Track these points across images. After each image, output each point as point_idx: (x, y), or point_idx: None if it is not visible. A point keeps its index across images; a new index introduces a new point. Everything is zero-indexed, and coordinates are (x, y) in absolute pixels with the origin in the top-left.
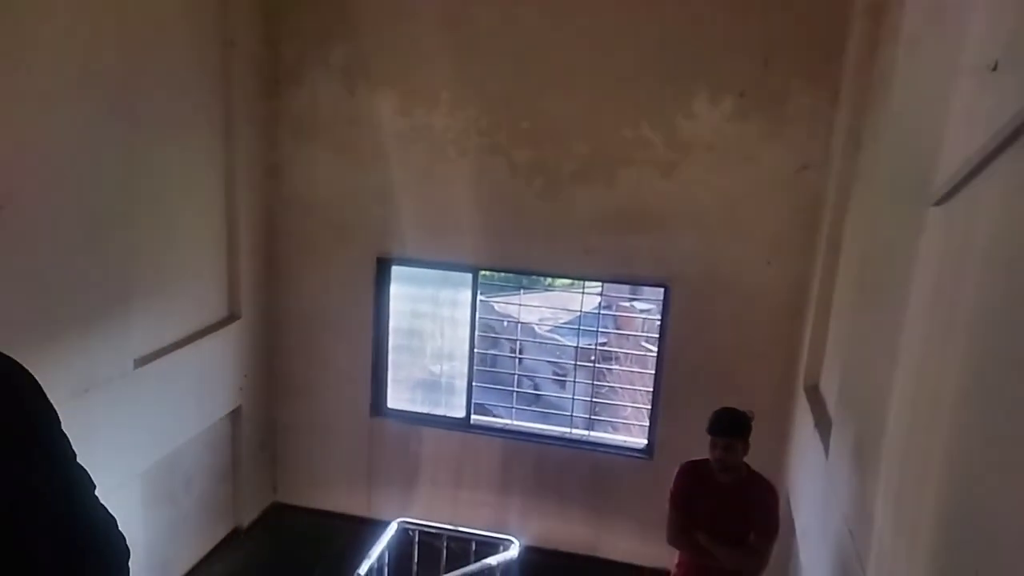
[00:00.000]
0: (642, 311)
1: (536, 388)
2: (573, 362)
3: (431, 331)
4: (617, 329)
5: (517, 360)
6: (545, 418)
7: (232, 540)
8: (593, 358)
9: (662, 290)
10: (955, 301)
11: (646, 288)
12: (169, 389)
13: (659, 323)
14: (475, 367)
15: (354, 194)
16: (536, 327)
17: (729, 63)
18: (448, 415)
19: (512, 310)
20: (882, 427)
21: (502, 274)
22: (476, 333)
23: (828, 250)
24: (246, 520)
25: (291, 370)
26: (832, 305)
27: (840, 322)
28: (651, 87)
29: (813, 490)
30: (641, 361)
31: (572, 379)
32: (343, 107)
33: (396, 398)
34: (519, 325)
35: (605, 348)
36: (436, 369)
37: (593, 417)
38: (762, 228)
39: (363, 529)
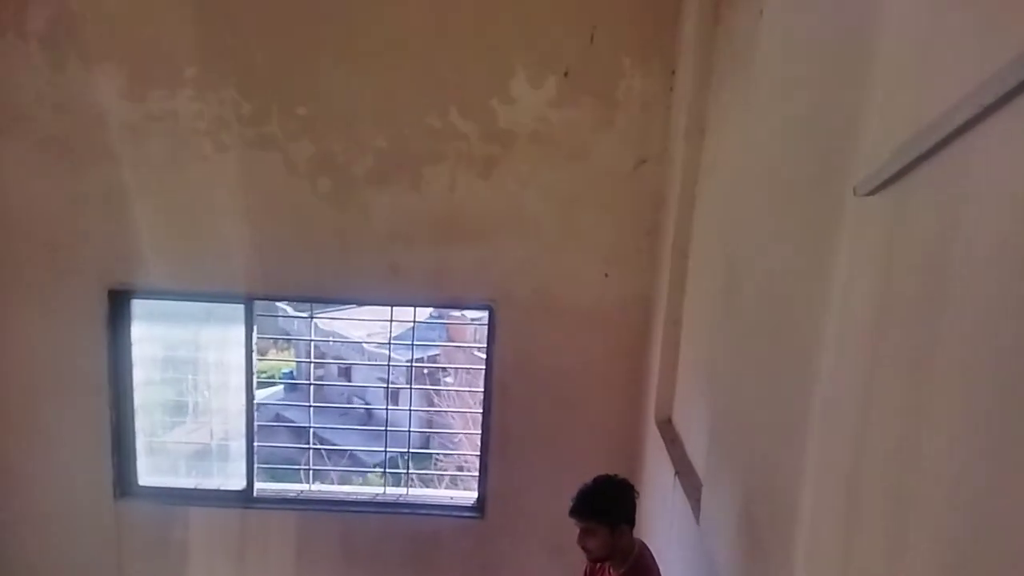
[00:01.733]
0: (473, 319)
1: (369, 414)
2: (397, 386)
3: (194, 382)
4: (449, 340)
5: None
6: (352, 479)
7: None
8: (404, 383)
9: (486, 312)
10: (930, 315)
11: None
12: None
13: (484, 351)
14: (255, 423)
15: (70, 206)
16: (365, 345)
17: (551, 36)
18: (223, 487)
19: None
20: (792, 506)
21: None
22: (254, 379)
23: (675, 257)
24: None
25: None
26: (683, 323)
27: (700, 345)
28: (461, 63)
29: (682, 558)
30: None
31: (386, 407)
32: (47, 89)
33: (151, 472)
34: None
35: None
36: (205, 431)
37: (413, 471)
38: (598, 235)
39: None
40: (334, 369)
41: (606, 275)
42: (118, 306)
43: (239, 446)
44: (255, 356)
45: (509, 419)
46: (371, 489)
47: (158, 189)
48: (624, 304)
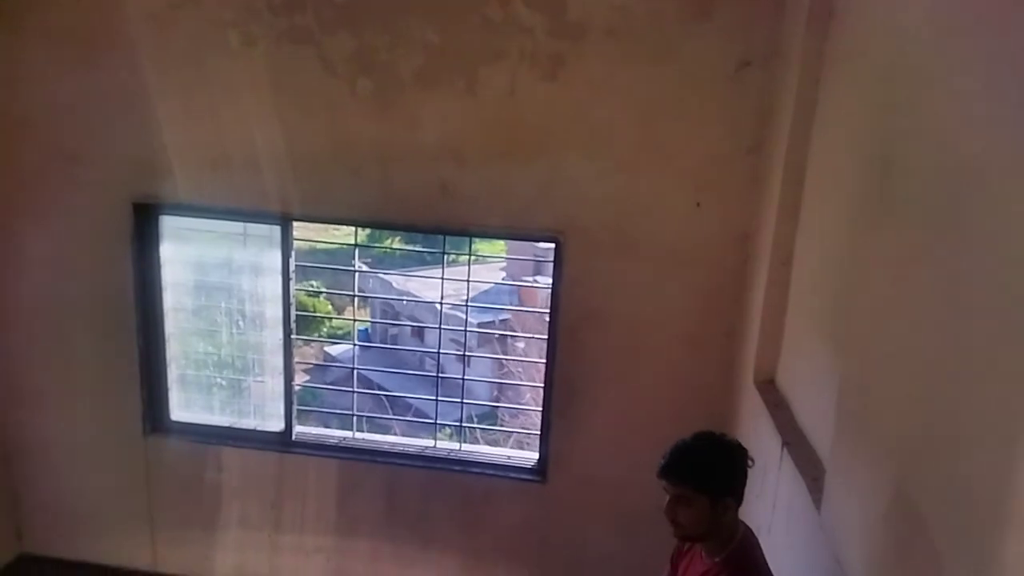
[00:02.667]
0: (548, 285)
1: (442, 370)
2: (455, 352)
3: (228, 312)
4: (520, 305)
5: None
6: (409, 429)
7: None
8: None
9: (552, 247)
10: None
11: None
12: None
13: (550, 292)
14: (293, 360)
15: (89, 109)
16: (438, 306)
17: None
18: (260, 428)
19: (413, 288)
20: (998, 501)
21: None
22: (292, 310)
23: (787, 180)
24: None
25: (16, 371)
26: (795, 262)
27: (820, 287)
28: None
29: (791, 552)
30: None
31: (451, 370)
32: None
33: (183, 407)
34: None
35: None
36: (240, 366)
37: (471, 425)
38: (687, 154)
39: None
40: (407, 330)
41: (697, 204)
42: (144, 222)
43: (277, 384)
44: (293, 285)
45: (576, 372)
46: (420, 442)
47: (181, 89)
48: (718, 239)
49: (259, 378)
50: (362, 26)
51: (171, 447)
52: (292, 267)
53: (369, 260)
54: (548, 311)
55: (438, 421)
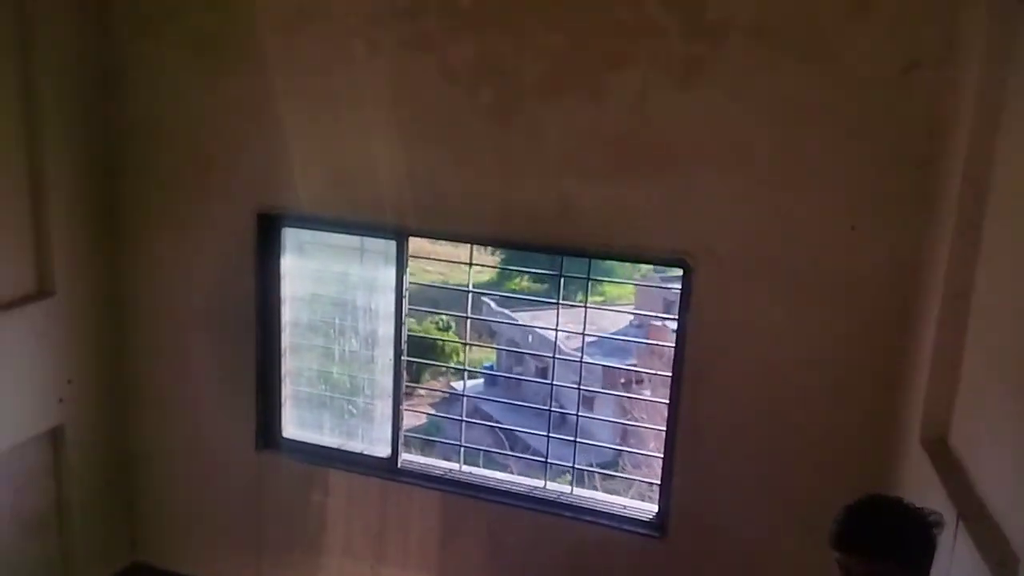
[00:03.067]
0: (675, 331)
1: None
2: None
3: (342, 328)
4: (649, 351)
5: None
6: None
7: None
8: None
9: (679, 273)
10: None
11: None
12: None
13: (675, 327)
14: (403, 381)
15: (221, 115)
16: (562, 345)
17: None
18: (367, 452)
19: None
20: None
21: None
22: (404, 328)
23: (966, 199)
24: None
25: (140, 378)
26: (975, 295)
27: (1006, 322)
28: None
29: None
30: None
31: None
32: None
33: (295, 424)
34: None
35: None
36: (350, 384)
37: (585, 468)
38: (841, 170)
39: None
40: (532, 367)
41: (852, 227)
42: (267, 233)
43: (385, 408)
44: (406, 303)
45: (703, 417)
46: (529, 481)
47: (307, 99)
48: (876, 268)
49: (369, 399)
50: (486, 30)
51: (281, 465)
52: (406, 285)
53: (496, 299)
54: (672, 345)
55: (550, 461)
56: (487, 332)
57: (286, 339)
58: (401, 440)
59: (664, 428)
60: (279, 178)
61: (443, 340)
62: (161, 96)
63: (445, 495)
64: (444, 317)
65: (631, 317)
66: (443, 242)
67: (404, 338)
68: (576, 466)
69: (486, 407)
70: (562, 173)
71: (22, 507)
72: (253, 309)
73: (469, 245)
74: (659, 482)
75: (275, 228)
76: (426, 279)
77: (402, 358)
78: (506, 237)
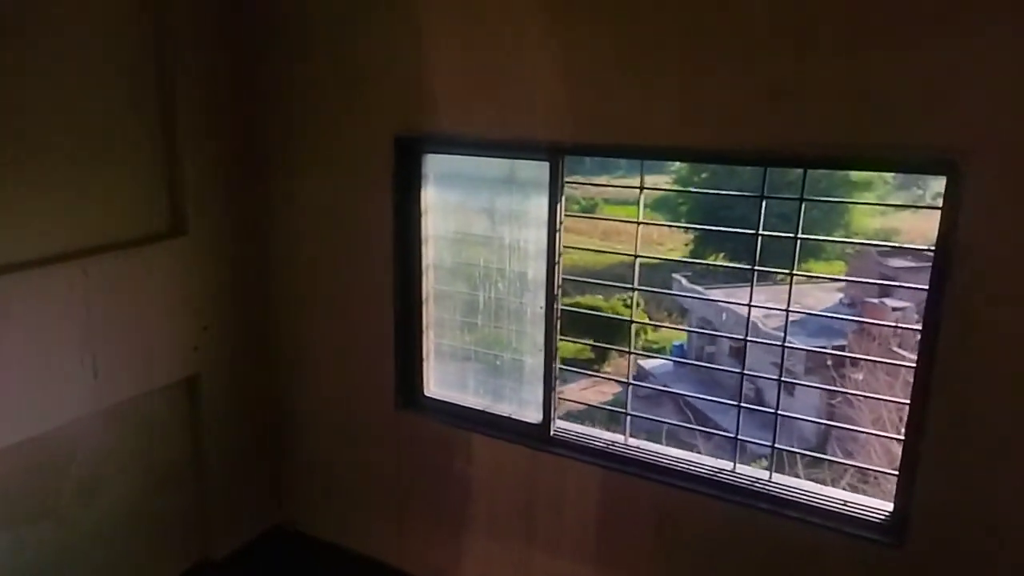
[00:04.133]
0: (895, 310)
1: (759, 393)
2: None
3: (486, 271)
4: (862, 328)
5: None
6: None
7: None
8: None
9: (941, 184)
10: None
11: (902, 280)
12: (33, 327)
13: (932, 270)
14: (556, 334)
15: (363, 20)
16: (760, 324)
17: None
18: (515, 417)
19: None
20: None
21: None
22: (558, 275)
23: None
24: (223, 548)
25: (279, 327)
26: None
27: None
28: None
29: None
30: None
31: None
32: None
33: (437, 381)
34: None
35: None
36: (499, 337)
37: (789, 449)
38: None
39: None
40: (725, 347)
41: None
42: (406, 160)
43: (537, 364)
44: (559, 239)
45: (974, 386)
46: (713, 462)
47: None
48: None
49: (517, 355)
50: None
51: (423, 426)
52: (561, 217)
53: (689, 275)
54: (927, 287)
55: (742, 438)
56: (677, 310)
57: (428, 284)
58: (555, 405)
59: (908, 402)
60: (420, 94)
61: (607, 316)
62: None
63: (607, 472)
64: (634, 295)
65: (839, 296)
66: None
67: (558, 282)
68: (777, 446)
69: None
70: (771, 49)
71: (156, 459)
72: (390, 250)
73: (640, 178)
74: (897, 472)
75: (415, 154)
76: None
77: (556, 306)
78: (690, 145)
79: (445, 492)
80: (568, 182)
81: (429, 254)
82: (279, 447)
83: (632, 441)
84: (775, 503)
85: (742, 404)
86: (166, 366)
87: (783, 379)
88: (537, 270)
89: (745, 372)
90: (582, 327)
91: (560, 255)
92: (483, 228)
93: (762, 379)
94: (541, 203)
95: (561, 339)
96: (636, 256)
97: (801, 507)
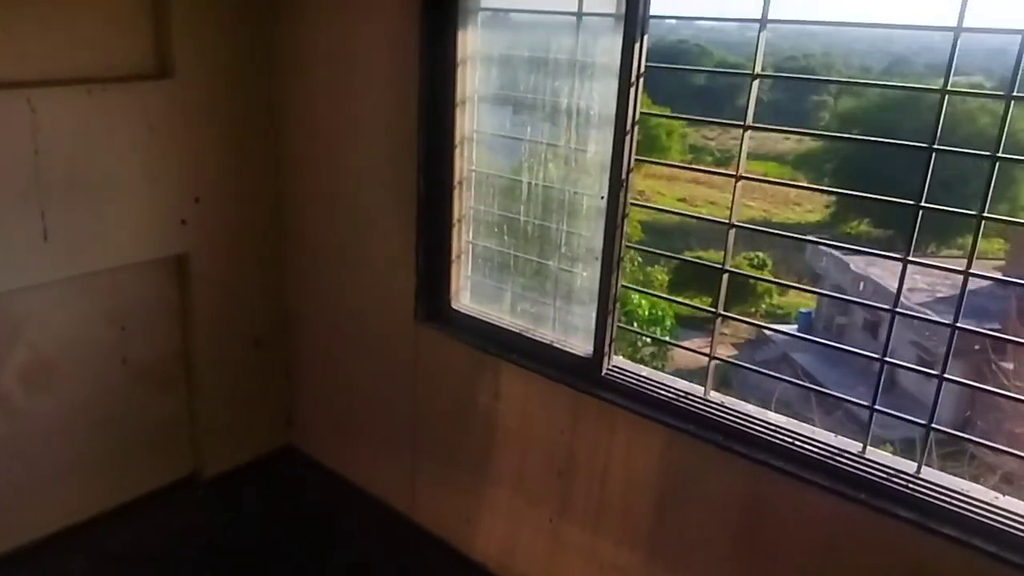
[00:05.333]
0: None
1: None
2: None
3: (533, 146)
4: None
5: None
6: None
7: (171, 495)
8: None
9: None
10: None
11: None
12: None
13: None
14: (622, 239)
15: None
16: (904, 298)
17: None
18: (559, 345)
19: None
20: None
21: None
22: (630, 155)
23: None
24: (217, 465)
25: (286, 203)
26: None
27: None
28: None
29: None
30: None
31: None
32: None
33: (469, 292)
34: None
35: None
36: (545, 237)
37: (941, 429)
38: None
39: (401, 538)
40: (858, 320)
41: None
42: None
43: (591, 281)
44: (636, 95)
45: None
46: (832, 440)
47: None
48: None
49: (568, 264)
50: None
51: (445, 346)
52: (640, 64)
53: (827, 237)
54: None
55: (879, 408)
56: (809, 275)
57: (462, 163)
58: (611, 334)
59: None
60: None
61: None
62: None
63: (674, 434)
64: (760, 255)
65: (996, 275)
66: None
67: (628, 163)
68: (936, 426)
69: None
70: None
71: (131, 352)
72: (414, 116)
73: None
74: None
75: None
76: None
77: (623, 197)
78: None
79: (466, 431)
80: (661, 116)
81: (465, 121)
82: (284, 356)
83: (715, 396)
84: (923, 512)
85: (886, 359)
86: (143, 239)
87: (944, 376)
88: (600, 143)
89: (886, 359)
90: (700, 284)
91: (635, 122)
92: (533, 85)
93: (901, 358)
94: (612, 46)
95: (628, 246)
96: (730, 225)
97: (967, 524)
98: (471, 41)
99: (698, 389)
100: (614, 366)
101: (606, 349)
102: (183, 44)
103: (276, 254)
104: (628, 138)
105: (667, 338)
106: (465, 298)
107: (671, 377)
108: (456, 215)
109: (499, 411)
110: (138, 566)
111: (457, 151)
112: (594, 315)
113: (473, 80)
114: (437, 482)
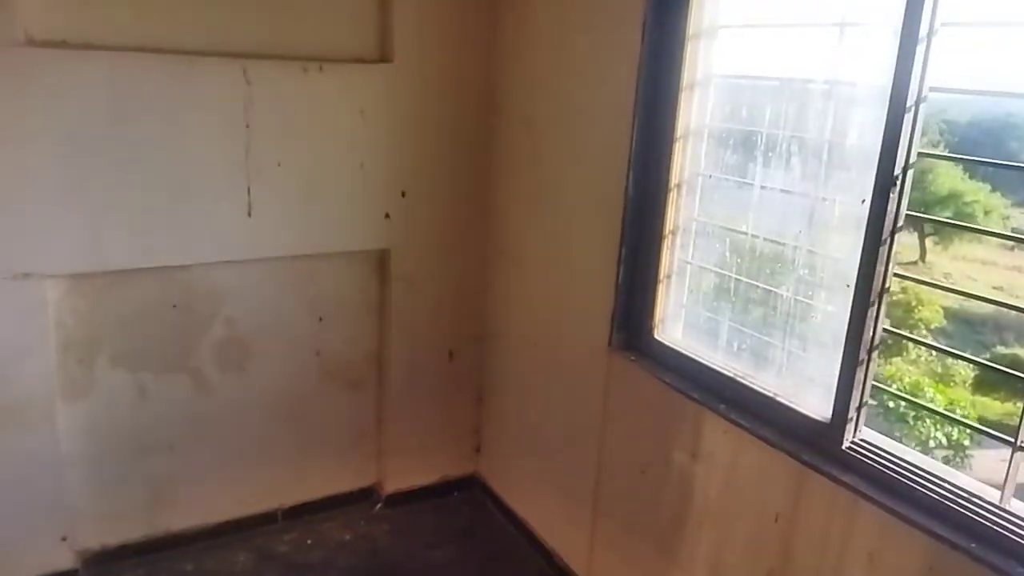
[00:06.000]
0: None
1: None
2: None
3: (768, 153)
4: None
5: None
6: None
7: (348, 504)
8: None
9: None
10: None
11: None
12: (185, 122)
13: None
14: (890, 259)
15: None
16: None
17: None
18: (786, 401)
19: None
20: None
21: None
22: (903, 185)
23: None
24: (399, 481)
25: (496, 213)
26: None
27: None
28: None
29: None
30: None
31: None
32: None
33: (676, 320)
34: None
35: None
36: (773, 256)
37: None
38: None
39: None
40: None
41: None
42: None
43: (835, 322)
44: (912, 119)
45: None
46: None
47: None
48: None
49: (806, 300)
50: None
51: (639, 382)
52: (924, 84)
53: None
54: None
55: None
56: None
57: (682, 162)
58: (861, 393)
59: None
60: None
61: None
62: None
63: (942, 549)
64: None
65: None
66: None
67: (902, 191)
68: None
69: None
70: None
71: (325, 347)
72: (631, 102)
73: None
74: None
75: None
76: None
77: (896, 198)
78: None
79: (655, 495)
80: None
81: (692, 110)
82: (478, 374)
83: (1018, 507)
84: None
85: None
86: (346, 229)
87: None
88: (865, 126)
89: None
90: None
91: (912, 148)
92: (776, 89)
93: None
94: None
95: (897, 275)
96: None
97: None
98: (700, 52)
99: (990, 493)
100: (861, 439)
101: (852, 413)
102: (405, 28)
103: (479, 258)
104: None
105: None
106: (671, 328)
107: (948, 469)
108: (669, 225)
109: (697, 475)
110: (301, 572)
111: (678, 148)
112: (838, 364)
113: (707, 60)
114: (618, 551)
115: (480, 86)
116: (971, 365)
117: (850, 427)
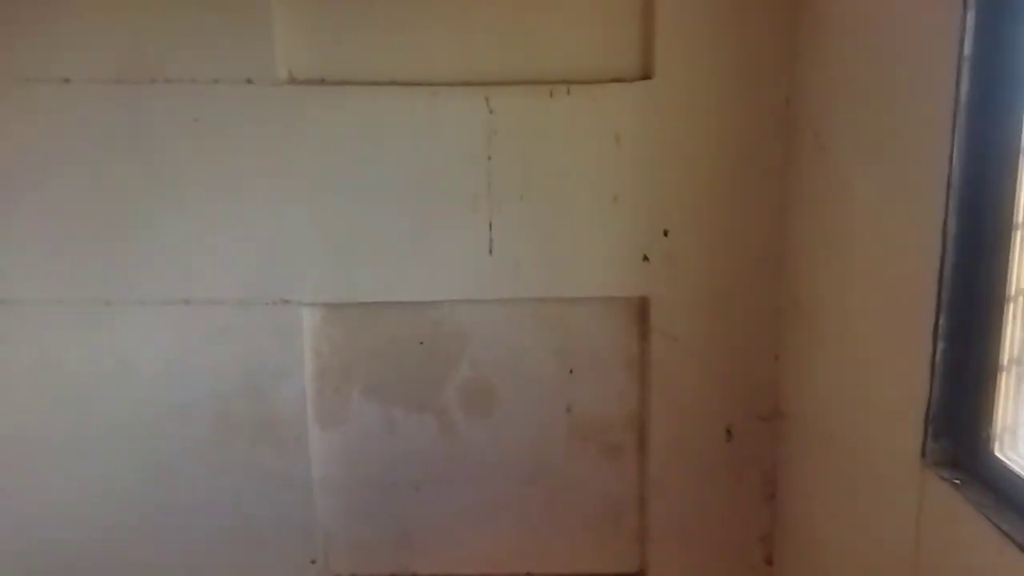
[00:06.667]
0: None
1: None
2: None
3: None
4: None
5: None
6: None
7: None
8: None
9: None
10: None
11: None
12: (426, 150)
13: None
14: None
15: None
16: None
17: None
18: None
19: None
20: None
21: None
22: None
23: None
24: (662, 571)
25: (794, 253)
26: None
27: None
28: None
29: None
30: None
31: None
32: None
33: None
34: None
35: None
36: None
37: None
38: None
39: None
40: None
41: None
42: None
43: None
44: None
45: None
46: None
47: None
48: None
49: None
50: None
51: (968, 523)
52: None
53: None
54: None
55: None
56: None
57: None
58: None
59: None
60: None
61: None
62: None
63: None
64: None
65: None
66: None
67: None
68: None
69: None
70: None
71: (585, 403)
72: (947, 127)
73: None
74: None
75: None
76: None
77: None
78: None
79: None
80: None
81: None
82: (766, 464)
83: None
84: None
85: None
86: (598, 272)
87: None
88: None
89: None
90: None
91: None
92: None
93: None
94: None
95: None
96: None
97: None
98: None
99: None
100: None
101: None
102: (670, 37)
103: (766, 315)
104: None
105: None
106: (1023, 440)
107: None
108: (1014, 282)
109: None
110: None
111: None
112: None
113: None
114: None
115: (770, 100)
116: None
117: None
